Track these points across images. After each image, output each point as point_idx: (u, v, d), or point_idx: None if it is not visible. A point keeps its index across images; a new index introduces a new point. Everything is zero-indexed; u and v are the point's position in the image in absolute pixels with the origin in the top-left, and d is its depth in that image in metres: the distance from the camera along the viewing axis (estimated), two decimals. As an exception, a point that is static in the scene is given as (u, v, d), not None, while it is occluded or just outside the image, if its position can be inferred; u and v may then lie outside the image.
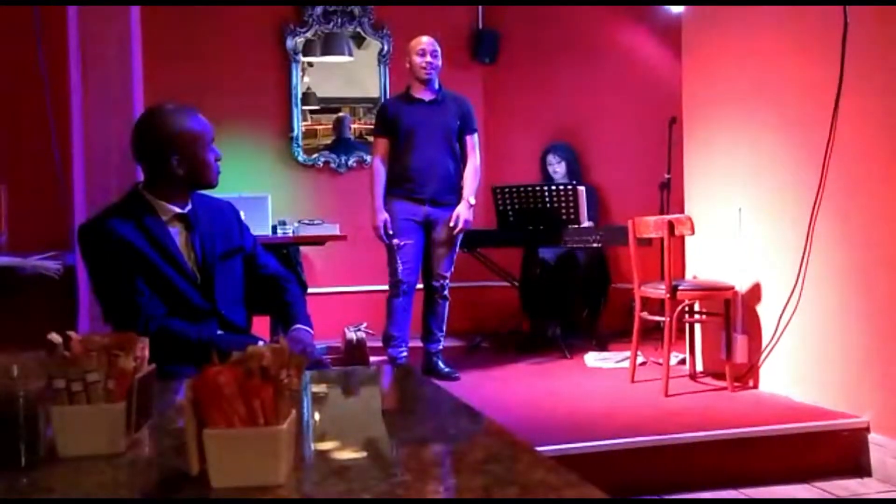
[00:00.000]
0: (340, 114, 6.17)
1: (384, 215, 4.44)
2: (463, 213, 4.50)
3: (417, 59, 4.46)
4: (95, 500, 1.12)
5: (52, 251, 2.83)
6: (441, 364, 4.58)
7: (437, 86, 4.53)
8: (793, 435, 3.37)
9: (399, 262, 4.44)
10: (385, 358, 4.52)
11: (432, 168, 4.45)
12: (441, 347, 4.64)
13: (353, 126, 6.20)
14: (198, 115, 2.32)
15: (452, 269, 4.60)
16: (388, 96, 5.98)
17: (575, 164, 5.81)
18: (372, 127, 6.12)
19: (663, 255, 4.11)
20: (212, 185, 2.35)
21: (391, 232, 4.43)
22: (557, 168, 5.76)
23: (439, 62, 4.50)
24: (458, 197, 4.53)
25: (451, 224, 4.48)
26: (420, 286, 4.61)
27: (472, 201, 4.55)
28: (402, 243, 4.42)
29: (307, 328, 2.38)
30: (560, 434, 3.30)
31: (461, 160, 4.57)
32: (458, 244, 4.62)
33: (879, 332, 3.39)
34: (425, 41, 4.48)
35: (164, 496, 1.15)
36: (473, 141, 4.61)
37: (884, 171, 3.37)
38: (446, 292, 4.58)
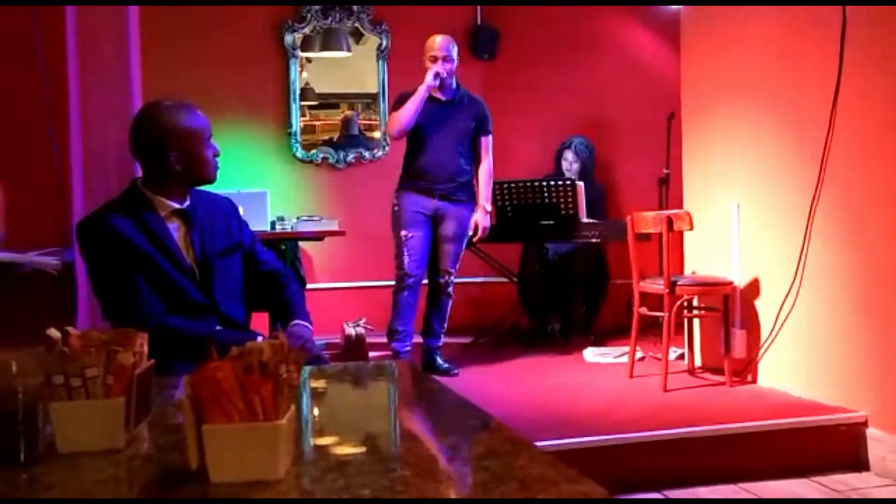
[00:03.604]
0: (348, 112, 6.14)
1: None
2: (481, 220, 4.59)
3: (429, 65, 4.46)
4: (94, 499, 1.12)
5: (51, 247, 2.82)
6: (440, 360, 4.58)
7: (454, 85, 4.54)
8: (791, 430, 3.38)
9: (406, 254, 4.45)
10: (384, 353, 4.51)
11: (444, 168, 4.47)
12: (441, 344, 4.64)
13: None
14: (196, 110, 2.32)
15: (458, 265, 4.60)
16: (387, 91, 5.99)
17: (590, 161, 5.76)
18: (372, 122, 6.15)
19: (662, 251, 4.11)
20: (210, 181, 2.35)
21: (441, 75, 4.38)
22: (571, 166, 5.72)
23: (454, 64, 4.50)
24: (468, 194, 4.56)
25: (471, 233, 4.58)
26: (424, 281, 4.60)
27: (489, 207, 4.65)
28: (409, 234, 4.43)
29: (306, 324, 2.38)
30: (559, 429, 3.31)
31: (473, 160, 4.60)
32: (465, 241, 4.63)
33: (878, 327, 3.40)
34: (437, 46, 4.47)
35: (164, 491, 1.15)
36: (487, 143, 4.63)
37: (883, 166, 3.37)
38: (450, 289, 4.58)
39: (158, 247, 2.24)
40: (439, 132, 4.46)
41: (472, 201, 4.59)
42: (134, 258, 2.20)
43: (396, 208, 4.51)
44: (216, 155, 2.34)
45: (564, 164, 5.76)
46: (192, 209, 2.33)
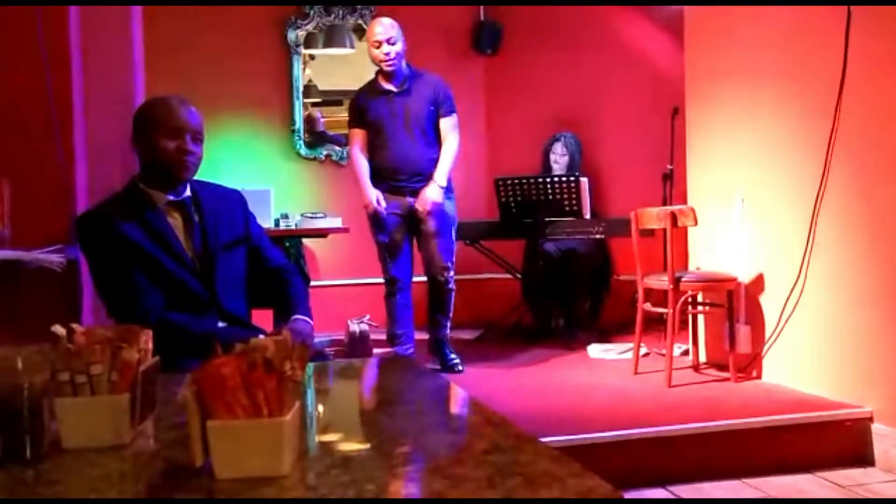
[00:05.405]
0: (312, 110, 6.08)
1: (374, 191, 4.24)
2: (431, 195, 4.19)
3: (374, 52, 4.25)
4: (100, 499, 1.12)
5: (55, 244, 2.83)
6: (448, 351, 4.46)
7: (403, 70, 4.28)
8: (796, 425, 3.37)
9: (388, 259, 4.31)
10: (388, 349, 4.50)
11: (408, 161, 4.26)
12: (448, 333, 4.50)
13: (327, 119, 6.14)
14: (176, 105, 2.25)
15: (454, 258, 4.41)
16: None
17: (578, 155, 5.77)
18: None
19: (666, 247, 4.10)
20: (178, 179, 2.27)
21: (384, 204, 4.23)
22: (560, 159, 5.73)
23: (399, 46, 4.21)
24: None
25: (418, 207, 4.21)
26: (424, 279, 4.51)
27: (443, 183, 4.23)
28: (387, 239, 4.27)
29: (306, 319, 2.37)
30: (563, 425, 3.30)
31: (440, 145, 4.31)
32: (454, 232, 4.43)
33: (884, 322, 3.39)
34: (378, 31, 4.23)
35: (169, 488, 1.15)
36: (451, 122, 4.30)
37: (887, 161, 3.36)
38: (451, 284, 4.39)
39: (157, 240, 2.23)
40: (397, 126, 4.24)
41: (447, 191, 4.31)
42: (132, 252, 2.20)
43: (369, 210, 4.30)
44: (185, 153, 2.23)
45: (553, 158, 5.72)
46: (194, 201, 2.32)
